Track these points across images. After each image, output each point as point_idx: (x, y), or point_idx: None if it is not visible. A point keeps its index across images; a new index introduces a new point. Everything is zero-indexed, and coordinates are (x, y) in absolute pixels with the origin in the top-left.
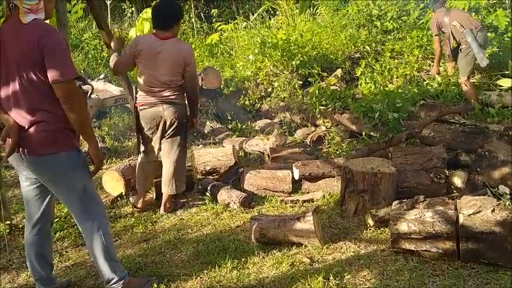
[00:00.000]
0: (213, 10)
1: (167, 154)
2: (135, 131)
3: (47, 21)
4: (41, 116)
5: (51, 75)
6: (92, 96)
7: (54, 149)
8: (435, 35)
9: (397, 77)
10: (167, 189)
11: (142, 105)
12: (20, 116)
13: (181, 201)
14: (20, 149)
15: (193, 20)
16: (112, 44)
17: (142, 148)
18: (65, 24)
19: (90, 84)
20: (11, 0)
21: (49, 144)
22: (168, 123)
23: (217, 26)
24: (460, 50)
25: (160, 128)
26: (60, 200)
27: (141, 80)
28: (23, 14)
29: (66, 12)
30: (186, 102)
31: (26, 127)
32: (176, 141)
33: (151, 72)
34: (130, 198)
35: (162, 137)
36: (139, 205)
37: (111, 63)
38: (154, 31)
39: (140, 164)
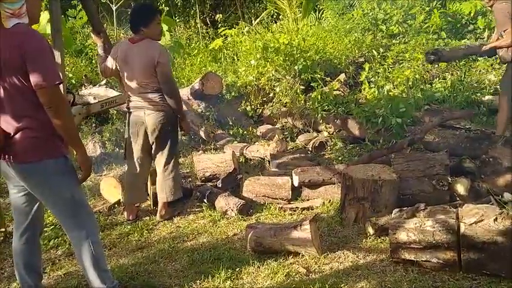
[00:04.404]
0: (218, 15)
1: (158, 162)
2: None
3: (46, 27)
4: (27, 123)
5: (34, 80)
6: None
7: (40, 156)
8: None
9: (405, 85)
10: (161, 196)
11: (130, 108)
12: (5, 123)
13: (175, 208)
14: (6, 156)
15: (198, 25)
16: (98, 48)
17: (126, 157)
18: (58, 30)
19: (72, 93)
20: None
21: (35, 151)
22: (149, 130)
23: (221, 31)
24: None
25: (141, 135)
26: (47, 207)
27: (125, 86)
28: (5, 18)
29: (61, 17)
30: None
31: (12, 134)
32: (165, 149)
33: (129, 78)
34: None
35: (147, 145)
36: (130, 217)
37: (100, 68)
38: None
39: (125, 175)
